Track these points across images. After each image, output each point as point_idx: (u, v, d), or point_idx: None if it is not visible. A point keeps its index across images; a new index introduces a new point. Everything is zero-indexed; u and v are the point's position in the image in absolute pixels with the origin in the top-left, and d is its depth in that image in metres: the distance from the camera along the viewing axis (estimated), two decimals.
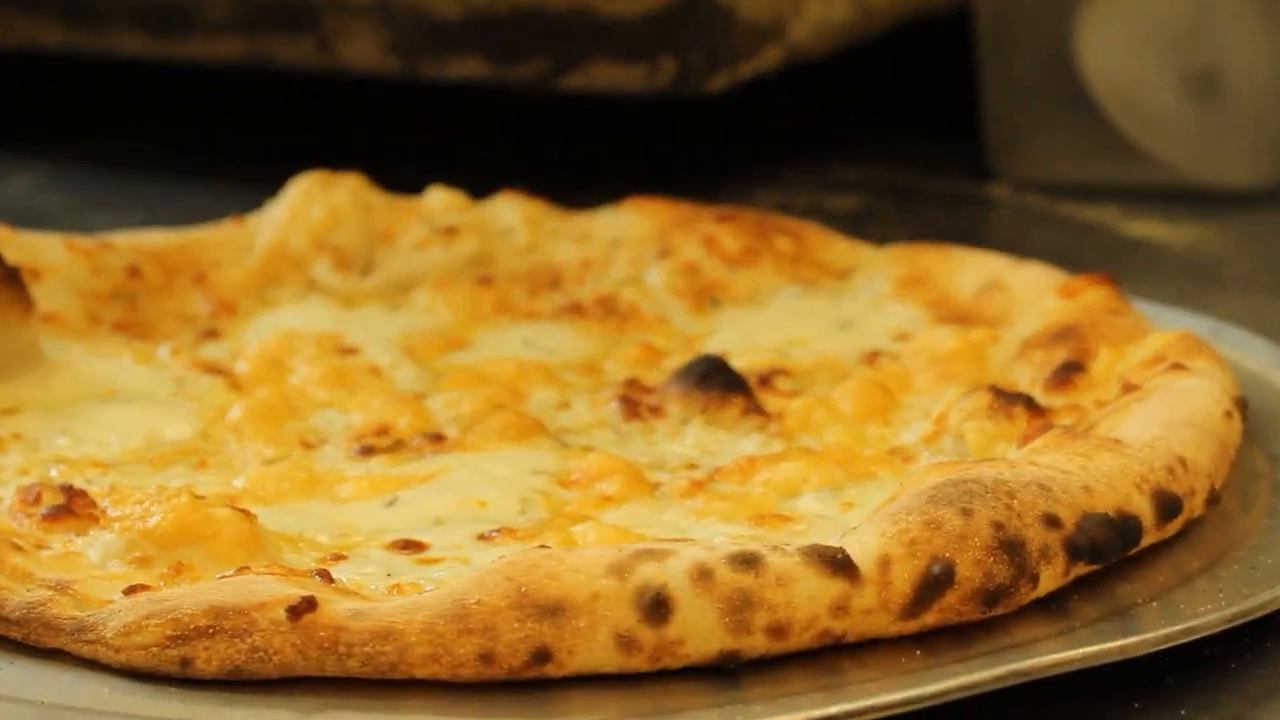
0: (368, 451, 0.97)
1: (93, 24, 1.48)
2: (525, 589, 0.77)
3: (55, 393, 1.02)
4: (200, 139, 1.51)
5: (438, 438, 0.99)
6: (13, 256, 1.06)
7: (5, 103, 1.60)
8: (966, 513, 0.81)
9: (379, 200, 1.20)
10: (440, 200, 1.21)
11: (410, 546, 0.87)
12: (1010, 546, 0.80)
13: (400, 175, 1.24)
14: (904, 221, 1.42)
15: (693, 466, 0.96)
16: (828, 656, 0.79)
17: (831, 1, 1.44)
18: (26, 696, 0.77)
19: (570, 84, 1.40)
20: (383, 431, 0.99)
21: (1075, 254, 1.33)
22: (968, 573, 0.80)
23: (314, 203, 1.18)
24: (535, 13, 1.39)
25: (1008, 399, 0.94)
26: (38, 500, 0.88)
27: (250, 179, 1.46)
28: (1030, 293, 1.10)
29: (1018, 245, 1.34)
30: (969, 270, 1.13)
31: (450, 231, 1.19)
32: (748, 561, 0.78)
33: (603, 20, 1.38)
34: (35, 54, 1.50)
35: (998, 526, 0.81)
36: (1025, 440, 0.89)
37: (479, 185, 1.23)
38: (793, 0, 1.41)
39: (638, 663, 0.77)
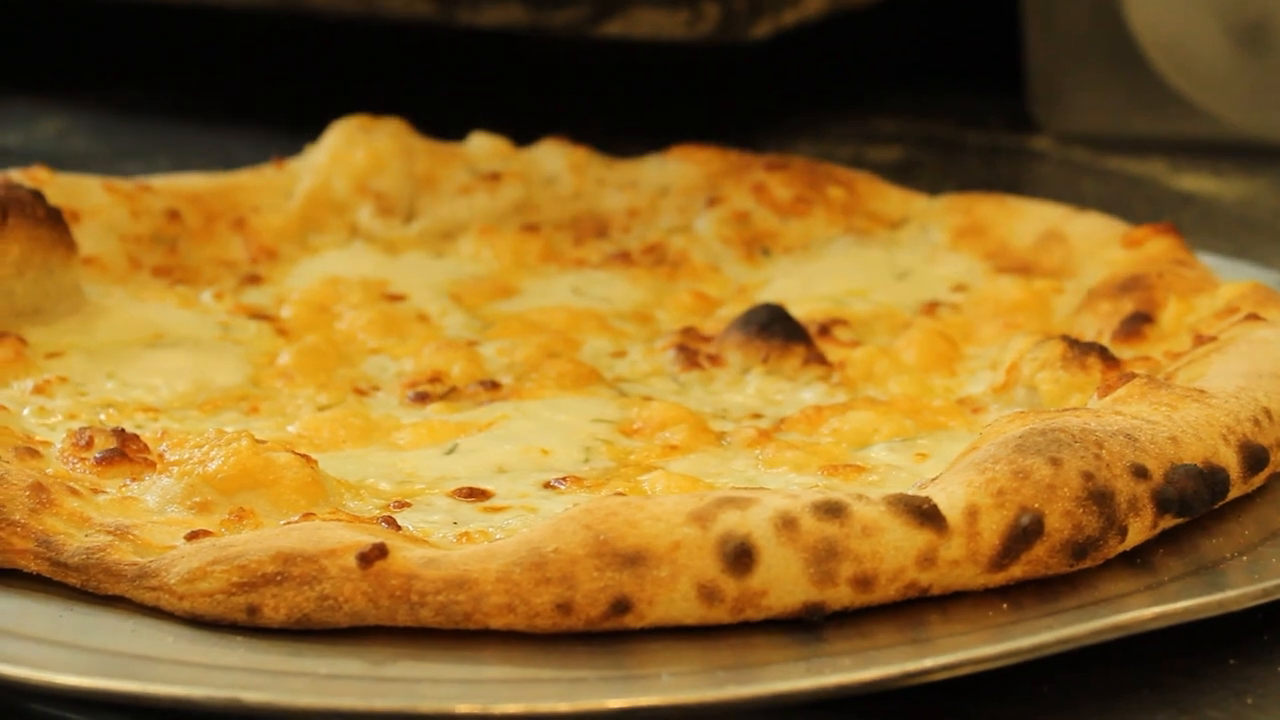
0: (422, 398, 0.95)
1: None
2: (604, 537, 0.74)
3: (99, 336, 1.00)
4: (232, 86, 1.48)
5: (493, 385, 0.96)
6: (53, 197, 1.04)
7: (34, 48, 1.57)
8: (1055, 462, 0.78)
9: (421, 145, 1.17)
10: (483, 146, 1.18)
11: (475, 494, 0.84)
12: (1100, 497, 0.78)
13: (438, 122, 1.21)
14: (947, 173, 1.39)
15: (757, 416, 0.94)
16: (912, 609, 0.77)
17: None
18: (87, 644, 0.74)
19: (610, 30, 1.37)
20: (436, 378, 0.97)
21: (1124, 208, 1.30)
22: (1057, 524, 0.77)
23: (355, 147, 1.16)
24: None
25: (1082, 349, 0.92)
26: (90, 444, 0.86)
27: (283, 126, 1.44)
28: (1090, 243, 1.07)
29: (1064, 198, 1.31)
30: (1027, 220, 1.11)
31: (494, 178, 1.16)
32: (833, 510, 0.76)
33: None
34: (63, 2, 1.48)
35: (1087, 476, 0.78)
36: (1107, 390, 0.86)
37: (517, 132, 1.20)
38: None
39: (719, 614, 0.75)
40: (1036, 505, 0.77)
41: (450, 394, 0.95)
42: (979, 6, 1.53)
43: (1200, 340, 0.93)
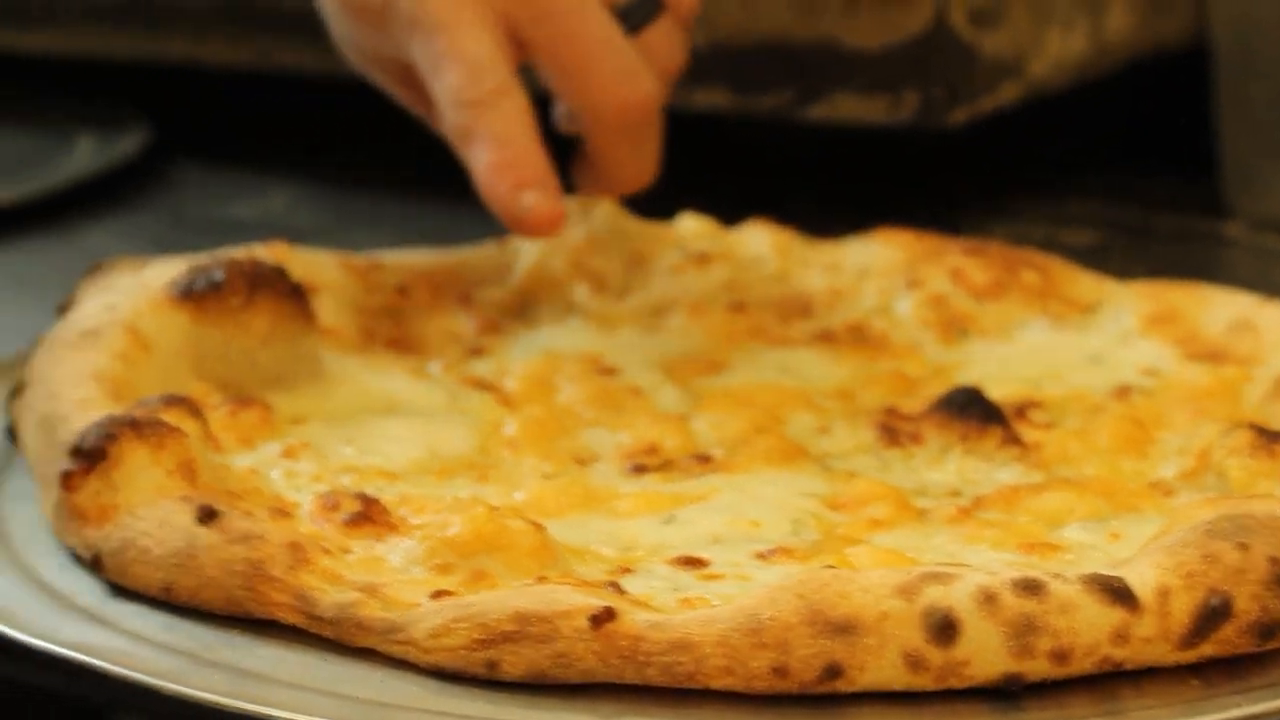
0: (640, 470, 1.01)
1: None
2: (817, 606, 0.80)
3: (337, 404, 1.07)
4: (452, 163, 1.55)
5: (705, 458, 1.02)
6: (293, 272, 1.11)
7: (264, 122, 1.66)
8: (1243, 547, 0.83)
9: (633, 225, 1.24)
10: (692, 227, 1.25)
11: (692, 563, 0.90)
12: None
13: (645, 200, 1.27)
14: (1138, 257, 1.43)
15: (956, 494, 0.99)
16: (1106, 682, 0.81)
17: (1070, 37, 1.46)
18: (341, 692, 0.81)
19: (813, 115, 1.43)
20: (652, 451, 1.03)
21: None
22: (1244, 606, 0.82)
23: (573, 227, 1.22)
24: (781, 44, 1.42)
25: (1270, 437, 0.96)
26: (337, 507, 0.93)
27: None
28: (1279, 333, 1.11)
29: (1255, 285, 1.35)
30: (1217, 308, 1.15)
31: (703, 258, 1.22)
32: (1031, 587, 0.81)
33: (847, 53, 1.41)
34: (292, 76, 1.56)
35: (1273, 561, 0.83)
36: None
37: (721, 212, 1.26)
38: (1033, 36, 1.44)
39: (924, 681, 0.80)
40: (1225, 588, 0.82)
41: (665, 466, 1.02)
42: (1173, 91, 1.57)
43: None
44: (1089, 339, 1.16)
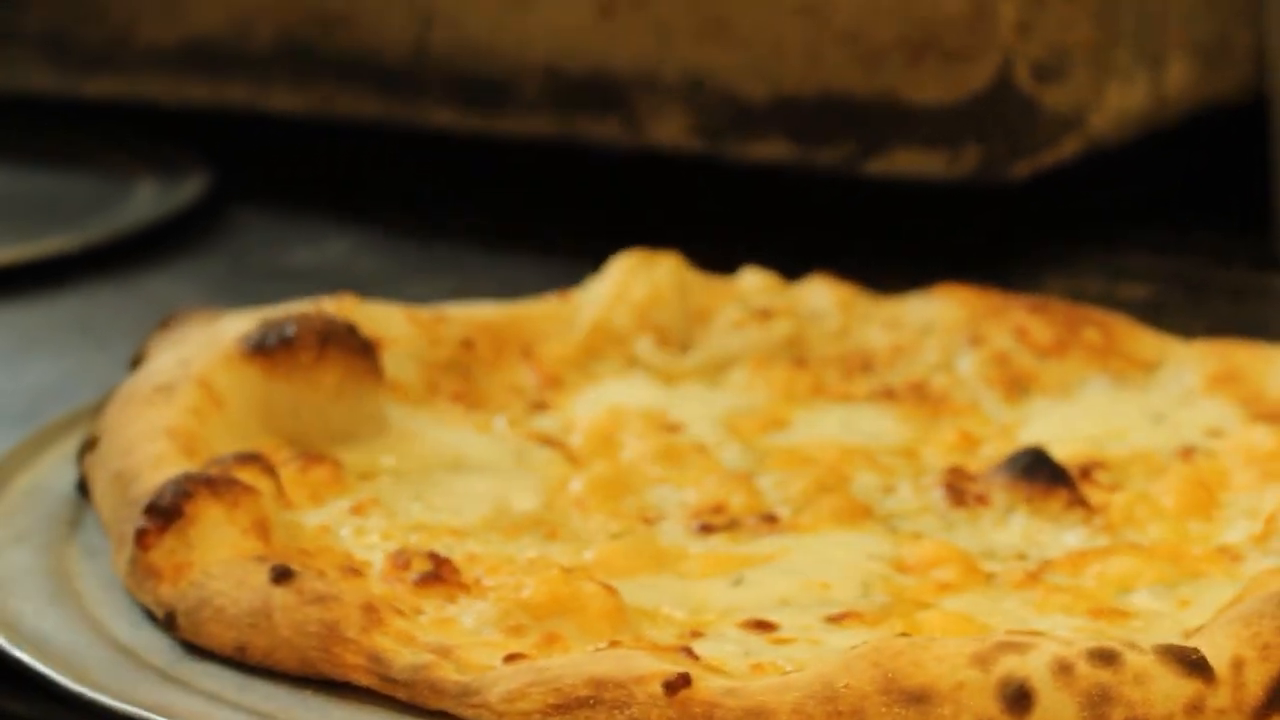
0: (707, 529, 1.01)
1: (409, 97, 1.54)
2: (892, 675, 0.81)
3: (405, 460, 1.08)
4: (513, 212, 1.57)
5: (771, 518, 1.02)
6: (360, 326, 1.12)
7: (324, 169, 1.67)
8: None
9: (695, 280, 1.24)
10: (755, 281, 1.25)
11: (762, 626, 0.91)
12: None
13: (706, 253, 1.28)
14: (1194, 312, 1.43)
15: (1022, 557, 0.99)
16: None
17: (1130, 91, 1.46)
18: None
19: (874, 169, 1.43)
20: (718, 510, 1.03)
21: None
22: None
23: (637, 281, 1.23)
24: (842, 98, 1.43)
25: None
26: (408, 566, 0.93)
27: (558, 252, 1.52)
28: None
29: None
30: None
31: (765, 313, 1.23)
32: (1107, 658, 0.81)
33: (908, 107, 1.41)
34: (353, 123, 1.57)
35: None
36: None
37: (781, 265, 1.26)
38: (1094, 90, 1.44)
39: None
40: None
41: (732, 525, 1.02)
42: (1230, 145, 1.57)
43: None
44: (1151, 398, 1.16)
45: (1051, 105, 1.42)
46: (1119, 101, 1.46)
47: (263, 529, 0.94)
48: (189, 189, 1.58)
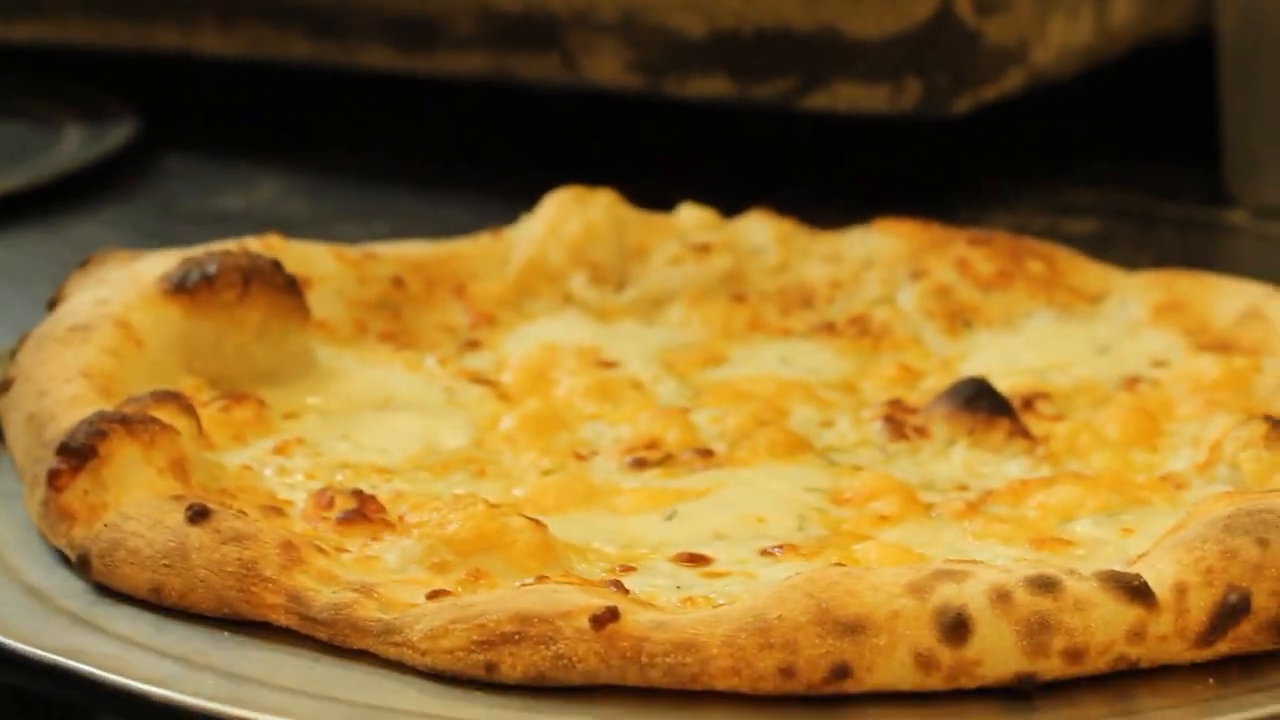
0: (640, 464, 0.99)
1: (340, 37, 1.51)
2: (826, 606, 0.78)
3: (332, 399, 1.05)
4: (444, 151, 1.54)
5: (706, 453, 1.00)
6: (286, 264, 1.09)
7: (254, 112, 1.64)
8: (1262, 543, 0.81)
9: (631, 216, 1.21)
10: (692, 217, 1.22)
11: (695, 560, 0.88)
12: None
13: (640, 190, 1.26)
14: (1141, 246, 1.41)
15: (964, 488, 0.97)
16: (1120, 681, 0.80)
17: (1074, 24, 1.44)
18: (336, 695, 0.79)
19: (813, 104, 1.41)
20: (652, 445, 1.01)
21: None
22: (1263, 602, 0.80)
23: (570, 218, 1.20)
24: (781, 33, 1.40)
25: None
26: (331, 504, 0.91)
27: (493, 192, 1.49)
28: None
29: (1258, 273, 1.33)
30: (1227, 298, 1.13)
31: (703, 249, 1.20)
32: (1046, 585, 0.79)
33: (848, 41, 1.39)
34: (283, 66, 1.54)
35: None
36: None
37: (720, 201, 1.24)
38: (1036, 23, 1.41)
39: (934, 681, 0.78)
40: (1244, 584, 0.80)
41: (666, 460, 0.99)
42: (1176, 79, 1.55)
43: None
44: (1096, 329, 1.14)
45: (994, 38, 1.39)
46: (1062, 34, 1.44)
47: (181, 469, 0.91)
48: (116, 134, 1.55)
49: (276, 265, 1.07)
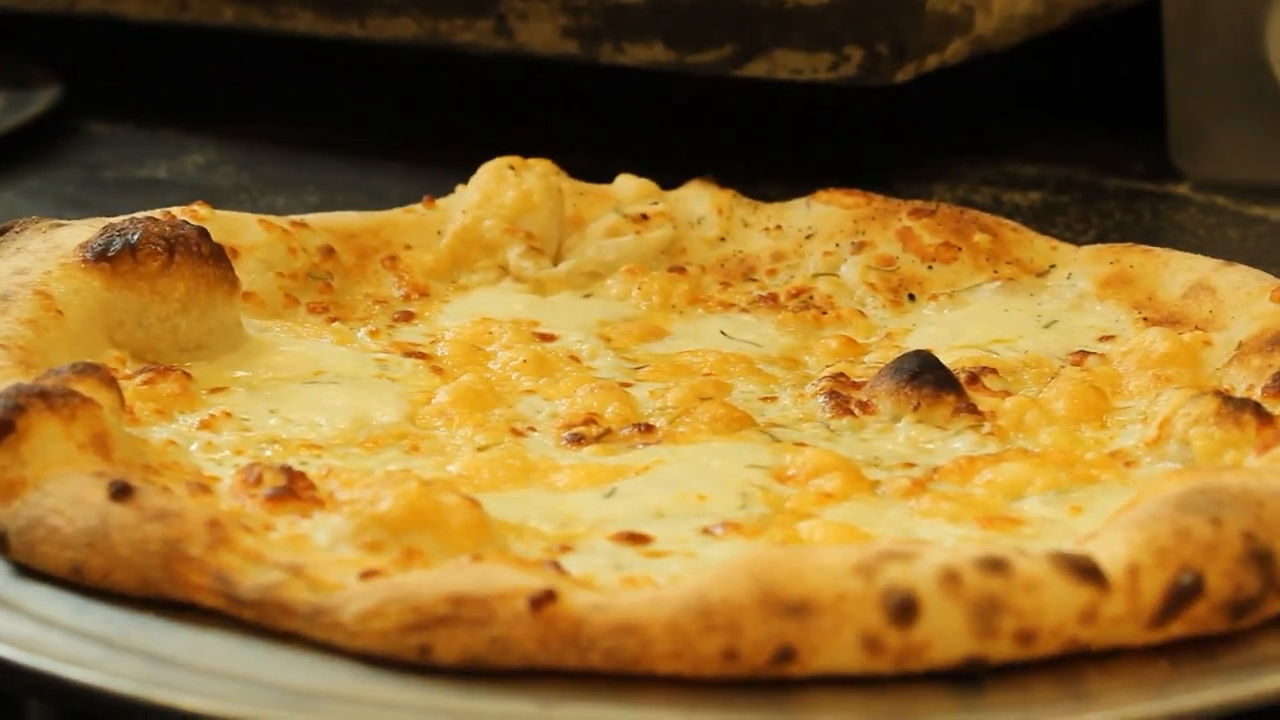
0: (578, 440, 0.96)
1: (266, 1, 1.47)
2: (770, 587, 0.76)
3: (261, 372, 1.02)
4: (378, 121, 1.51)
5: (647, 428, 0.98)
6: (213, 234, 1.06)
7: (180, 80, 1.60)
8: (1216, 522, 0.79)
9: (569, 186, 1.19)
10: (630, 188, 1.20)
11: (635, 539, 0.86)
12: (1260, 557, 0.79)
13: (578, 159, 1.23)
14: (1086, 219, 1.40)
15: (909, 465, 0.94)
16: (1072, 665, 0.77)
17: None
18: (264, 679, 0.76)
19: (753, 72, 1.38)
20: (590, 420, 0.98)
21: (1269, 257, 1.30)
22: (1217, 583, 0.78)
23: (506, 187, 1.17)
24: None
25: (1236, 405, 0.92)
26: (259, 481, 0.87)
27: (428, 162, 1.46)
28: (1239, 296, 1.07)
29: (1207, 246, 1.32)
30: (1175, 271, 1.11)
31: (641, 219, 1.18)
32: (996, 566, 0.77)
33: (789, 7, 1.36)
34: (209, 31, 1.50)
35: (1248, 536, 0.79)
36: (1264, 448, 0.87)
37: (660, 170, 1.22)
38: None
39: (881, 665, 0.76)
40: (1197, 564, 0.78)
41: (605, 436, 0.97)
42: (1121, 51, 1.53)
43: None
44: (1042, 303, 1.12)
45: (936, 6, 1.37)
46: (1006, 3, 1.41)
47: (103, 444, 0.88)
48: (39, 101, 1.51)
49: (202, 234, 1.04)
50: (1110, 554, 0.78)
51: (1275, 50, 1.41)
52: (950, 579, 0.76)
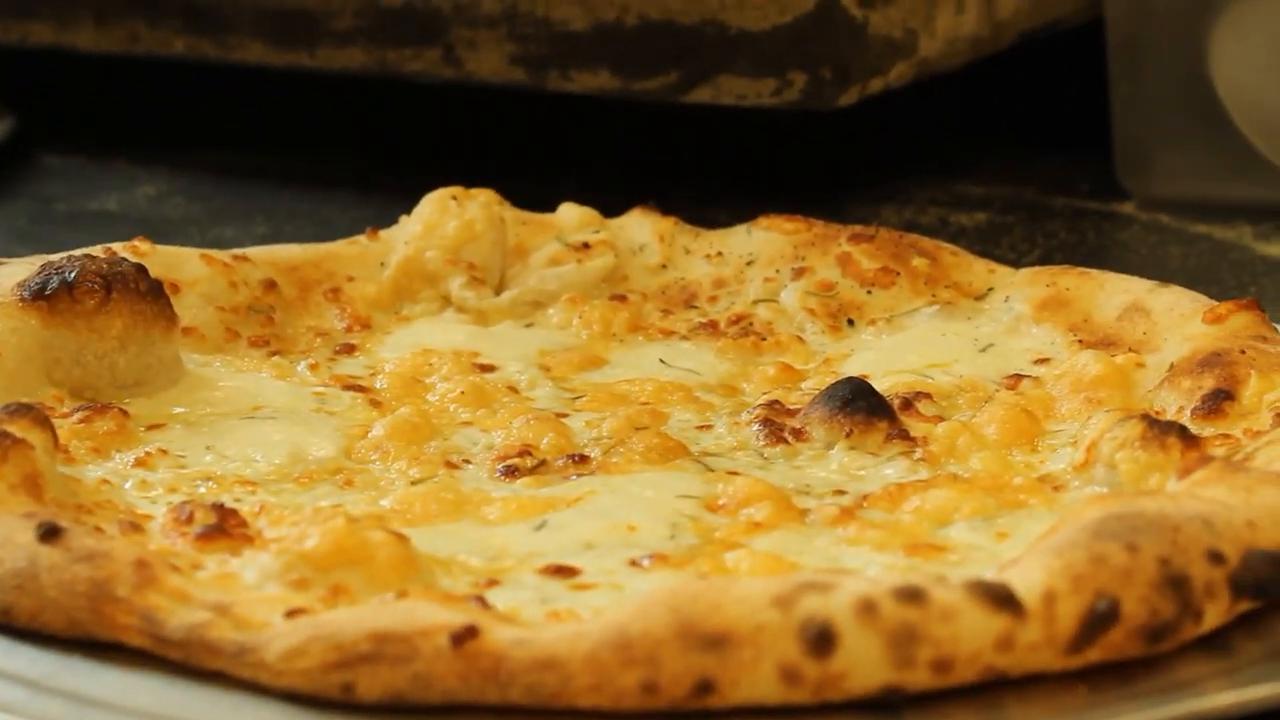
0: (511, 472, 0.97)
1: (217, 32, 1.48)
2: (689, 619, 0.76)
3: (198, 408, 1.03)
4: (326, 151, 1.51)
5: (581, 459, 0.98)
6: (153, 270, 1.07)
7: (132, 112, 1.61)
8: (1132, 548, 0.80)
9: (511, 215, 1.20)
10: (573, 217, 1.21)
11: (563, 572, 0.86)
12: (1175, 583, 0.80)
13: (525, 187, 1.24)
14: (1032, 239, 1.41)
15: (840, 493, 0.95)
16: (989, 691, 0.78)
17: (961, 15, 1.43)
18: (190, 719, 0.77)
19: (698, 98, 1.39)
20: (525, 452, 0.99)
21: (1209, 275, 1.32)
22: (1133, 609, 0.79)
23: (448, 217, 1.18)
24: (664, 25, 1.38)
25: (1161, 429, 0.93)
26: (190, 519, 0.88)
27: (376, 190, 1.47)
28: (1173, 317, 1.08)
29: (1149, 265, 1.33)
30: (1110, 293, 1.12)
31: (583, 248, 1.18)
32: (912, 595, 0.77)
33: (733, 34, 1.37)
34: (161, 62, 1.51)
35: (1163, 562, 0.80)
36: (1185, 472, 0.88)
37: (605, 197, 1.22)
38: (923, 14, 1.40)
39: (800, 695, 0.77)
40: (1113, 590, 0.79)
41: (539, 468, 0.97)
42: (1066, 72, 1.54)
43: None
44: (979, 326, 1.12)
45: (879, 29, 1.38)
46: (949, 25, 1.42)
47: (34, 485, 0.88)
48: None
49: (140, 270, 1.04)
50: (1027, 581, 0.79)
51: (1219, 69, 1.42)
52: (867, 609, 0.77)
